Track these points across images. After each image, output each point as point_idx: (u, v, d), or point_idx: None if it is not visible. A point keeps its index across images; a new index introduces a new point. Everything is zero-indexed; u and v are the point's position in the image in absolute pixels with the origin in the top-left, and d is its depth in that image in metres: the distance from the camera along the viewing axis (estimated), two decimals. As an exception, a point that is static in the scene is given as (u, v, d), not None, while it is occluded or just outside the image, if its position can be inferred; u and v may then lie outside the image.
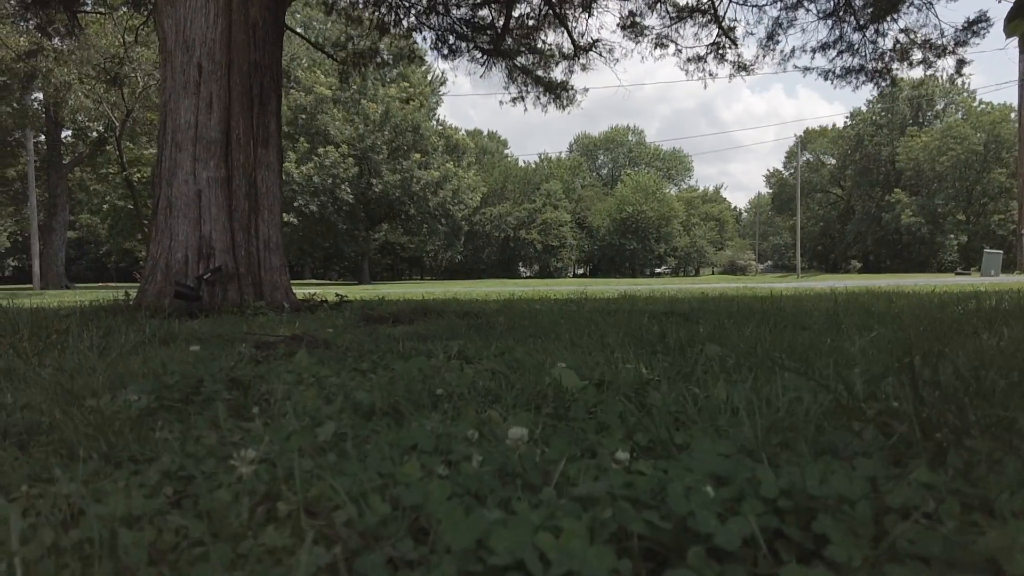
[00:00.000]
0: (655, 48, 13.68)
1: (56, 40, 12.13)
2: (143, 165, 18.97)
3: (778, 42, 12.61)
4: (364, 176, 47.09)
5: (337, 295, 8.87)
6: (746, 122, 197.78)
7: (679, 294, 12.30)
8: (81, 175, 38.60)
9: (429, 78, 59.33)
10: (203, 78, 7.63)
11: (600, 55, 13.15)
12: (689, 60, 13.77)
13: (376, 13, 12.77)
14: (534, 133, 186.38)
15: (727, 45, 13.25)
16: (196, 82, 7.62)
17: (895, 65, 11.74)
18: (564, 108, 14.42)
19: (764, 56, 12.48)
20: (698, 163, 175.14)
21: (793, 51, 12.31)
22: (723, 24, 12.32)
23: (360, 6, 12.87)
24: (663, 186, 75.52)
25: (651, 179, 72.64)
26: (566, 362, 2.64)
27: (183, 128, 7.58)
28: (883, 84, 12.23)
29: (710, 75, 13.78)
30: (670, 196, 73.48)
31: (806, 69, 12.81)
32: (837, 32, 12.05)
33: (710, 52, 13.55)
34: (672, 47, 13.64)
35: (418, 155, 48.68)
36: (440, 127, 55.95)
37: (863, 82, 12.46)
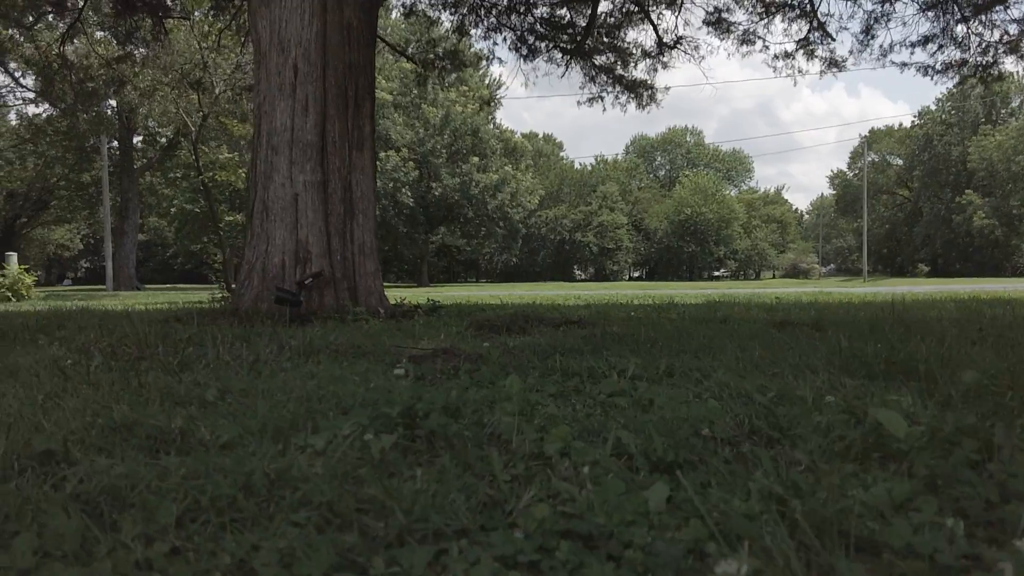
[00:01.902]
0: (741, 45, 13.24)
1: (140, 47, 12.27)
2: (217, 169, 19.28)
3: (874, 36, 12.04)
4: (424, 180, 47.29)
5: (429, 299, 8.68)
6: (806, 122, 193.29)
7: (761, 298, 11.84)
8: (151, 180, 39.58)
9: (486, 81, 59.44)
10: (299, 80, 7.52)
11: (685, 52, 12.76)
12: (777, 57, 13.28)
13: (457, 15, 12.62)
14: (588, 135, 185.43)
15: (818, 40, 12.73)
16: (292, 84, 7.51)
17: (1006, 58, 11.08)
18: (643, 107, 14.08)
19: (862, 51, 11.91)
20: (757, 164, 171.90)
21: (892, 46, 11.73)
22: (817, 16, 11.80)
23: (439, 8, 12.74)
24: (723, 187, 74.17)
25: (710, 180, 71.38)
26: (774, 389, 2.34)
27: (279, 131, 7.48)
28: (989, 78, 11.56)
29: (799, 72, 13.27)
30: (730, 198, 72.10)
31: (903, 65, 12.20)
32: (940, 25, 11.44)
33: (799, 48, 13.04)
34: (759, 43, 13.18)
35: (476, 158, 48.71)
36: (497, 130, 55.92)
37: (966, 76, 11.82)
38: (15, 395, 2.24)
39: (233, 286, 16.13)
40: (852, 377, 2.61)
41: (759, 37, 13.17)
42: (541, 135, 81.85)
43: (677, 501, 1.20)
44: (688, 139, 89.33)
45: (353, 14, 7.85)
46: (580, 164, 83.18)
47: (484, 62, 13.27)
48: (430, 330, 5.42)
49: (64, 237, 56.95)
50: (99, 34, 20.89)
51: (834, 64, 13.05)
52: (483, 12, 12.58)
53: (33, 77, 27.05)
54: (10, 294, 19.12)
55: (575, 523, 1.08)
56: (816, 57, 13.03)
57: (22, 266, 19.70)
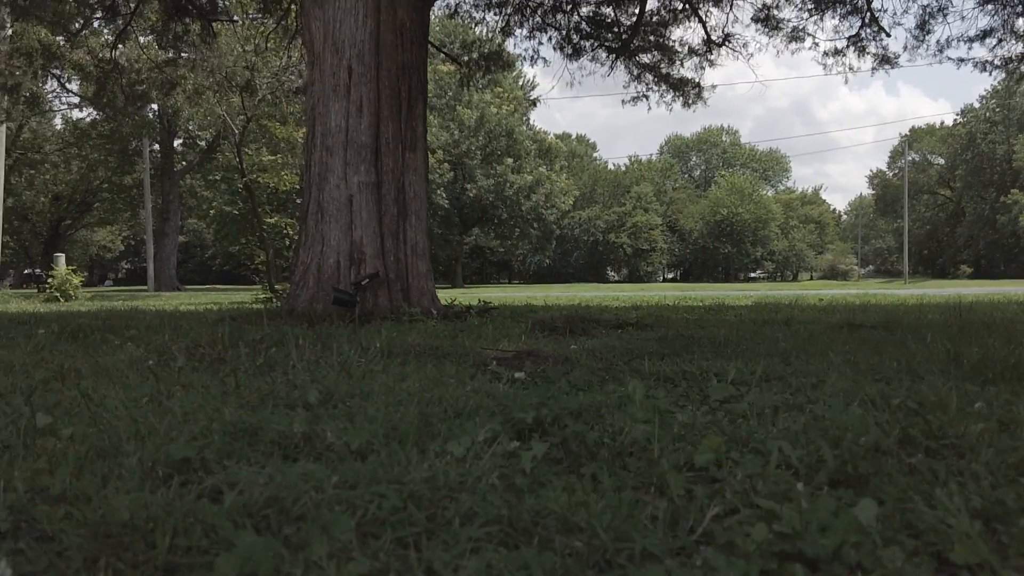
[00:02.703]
0: (789, 42, 13.02)
1: (188, 50, 12.42)
2: (260, 171, 19.44)
3: (930, 31, 11.75)
4: (458, 181, 47.38)
5: (480, 300, 8.63)
6: (843, 121, 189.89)
7: (807, 300, 11.60)
8: (191, 182, 40.19)
9: (520, 83, 59.44)
10: (353, 81, 7.51)
11: (733, 50, 12.57)
12: (827, 54, 13.03)
13: (501, 15, 12.57)
14: (621, 135, 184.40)
15: (870, 37, 12.46)
16: (346, 85, 7.51)
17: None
18: (689, 106, 13.92)
19: (917, 47, 11.62)
20: (794, 164, 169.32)
21: (949, 41, 11.42)
22: (871, 11, 11.54)
23: (483, 8, 12.70)
24: (760, 187, 73.25)
25: (747, 180, 70.54)
26: (899, 395, 2.22)
27: (334, 132, 7.47)
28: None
29: (850, 69, 13.00)
30: (767, 198, 71.16)
31: (960, 60, 11.88)
32: (999, 18, 11.12)
33: (850, 44, 12.79)
34: (808, 40, 12.94)
35: (511, 160, 48.69)
36: (531, 131, 55.86)
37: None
38: (116, 396, 2.21)
39: (277, 287, 16.29)
40: (971, 382, 2.48)
41: (808, 34, 12.94)
42: (574, 136, 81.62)
43: (882, 518, 1.10)
44: (724, 139, 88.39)
45: (406, 14, 7.83)
46: (614, 165, 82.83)
47: (527, 62, 13.19)
48: (492, 331, 5.36)
49: (106, 239, 58.03)
50: (142, 39, 21.23)
51: (886, 61, 12.77)
52: (528, 12, 12.51)
53: (78, 82, 27.62)
54: (58, 294, 19.46)
55: (791, 544, 0.99)
56: (868, 54, 12.77)
57: (69, 267, 20.04)
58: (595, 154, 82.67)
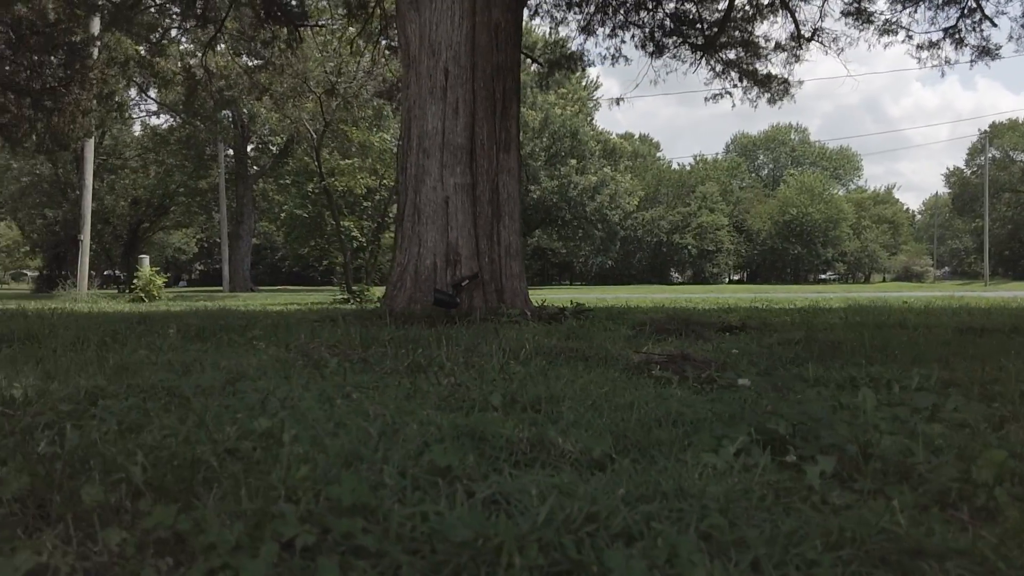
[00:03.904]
0: (881, 35, 12.58)
1: (274, 55, 12.71)
2: (337, 175, 19.79)
3: (1036, 20, 11.18)
4: (522, 183, 47.41)
5: (571, 302, 8.54)
6: (916, 118, 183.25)
7: (887, 302, 11.13)
8: (264, 186, 41.22)
9: (583, 83, 59.13)
10: (449, 83, 7.52)
11: (823, 45, 12.20)
12: (920, 47, 12.55)
13: (583, 13, 12.47)
14: (683, 135, 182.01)
15: (970, 27, 11.94)
16: (443, 87, 7.52)
17: None
18: (774, 102, 13.59)
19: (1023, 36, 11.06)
20: (864, 162, 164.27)
21: (1059, 29, 10.84)
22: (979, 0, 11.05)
23: (563, 8, 12.62)
24: (830, 186, 71.27)
25: (817, 179, 68.72)
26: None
27: (431, 134, 7.50)
28: None
29: (946, 62, 12.49)
30: (838, 197, 69.19)
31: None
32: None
33: (947, 36, 12.28)
34: (902, 33, 12.49)
35: (575, 161, 48.52)
36: (595, 132, 55.53)
37: None
38: (299, 397, 2.20)
39: (354, 288, 16.54)
40: None
41: (902, 27, 12.49)
42: (637, 135, 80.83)
43: None
44: (792, 136, 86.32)
45: (501, 15, 7.80)
46: (678, 164, 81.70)
47: (608, 61, 13.06)
48: (600, 333, 5.27)
49: (181, 241, 59.96)
50: (220, 46, 21.81)
51: (986, 53, 12.22)
52: (611, 11, 12.39)
53: (156, 89, 28.54)
54: (143, 295, 20.09)
55: None
56: (966, 46, 12.25)
57: (153, 268, 20.68)
58: (658, 154, 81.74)
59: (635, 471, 1.39)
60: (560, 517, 1.08)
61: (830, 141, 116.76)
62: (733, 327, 6.19)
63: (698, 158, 79.94)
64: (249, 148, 40.67)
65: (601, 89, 64.33)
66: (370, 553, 1.02)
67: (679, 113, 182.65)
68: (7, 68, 15.62)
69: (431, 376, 2.79)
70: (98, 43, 17.38)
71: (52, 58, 15.19)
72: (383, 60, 12.59)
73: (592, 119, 57.70)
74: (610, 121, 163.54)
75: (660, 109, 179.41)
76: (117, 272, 40.50)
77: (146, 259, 22.09)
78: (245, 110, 26.80)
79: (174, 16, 15.34)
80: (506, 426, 1.71)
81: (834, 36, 12.36)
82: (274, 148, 40.15)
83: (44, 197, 40.69)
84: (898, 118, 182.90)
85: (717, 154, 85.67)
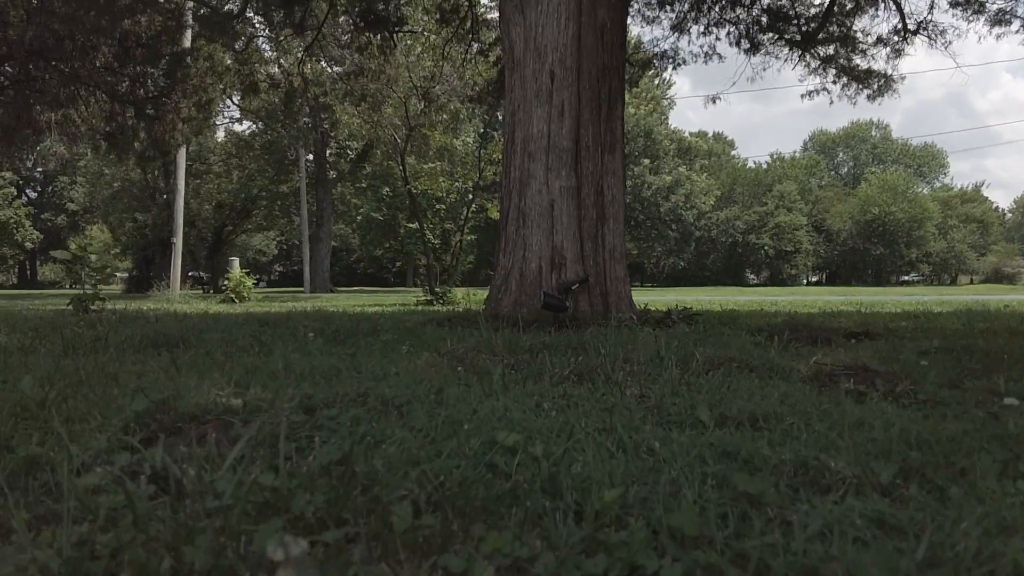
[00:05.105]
0: (993, 26, 12.00)
1: (368, 60, 12.94)
2: (422, 179, 20.01)
3: None
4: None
5: (678, 305, 8.38)
6: (1006, 111, 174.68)
7: (986, 304, 10.58)
8: (341, 190, 42.10)
9: (656, 82, 58.43)
10: (555, 85, 7.48)
11: (929, 38, 11.71)
12: (1036, 37, 11.92)
13: (675, 11, 12.28)
14: (758, 132, 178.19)
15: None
16: (548, 90, 7.49)
17: None
18: (874, 99, 13.13)
19: None
20: (949, 159, 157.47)
21: None
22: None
23: (655, 6, 12.45)
24: (914, 184, 68.57)
25: (900, 177, 66.21)
26: None
27: (536, 137, 7.47)
28: None
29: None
30: (922, 196, 66.49)
31: None
32: None
33: (1066, 25, 11.63)
34: (1016, 23, 11.89)
35: (648, 160, 47.99)
36: (668, 131, 54.82)
37: None
38: (507, 408, 2.17)
39: (437, 289, 16.69)
40: None
41: (1016, 16, 11.90)
42: (711, 134, 79.47)
43: None
44: (873, 133, 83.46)
45: (607, 15, 7.73)
46: (755, 162, 79.94)
47: (701, 59, 12.81)
48: (722, 338, 5.14)
49: (262, 243, 61.78)
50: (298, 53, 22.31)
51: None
52: (705, 8, 12.16)
53: (242, 96, 29.42)
54: (233, 296, 20.69)
55: None
56: (1089, 35, 11.57)
57: (243, 270, 21.28)
58: (733, 152, 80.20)
59: (930, 501, 1.30)
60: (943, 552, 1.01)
61: (913, 138, 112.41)
62: (857, 334, 5.96)
63: (775, 156, 78.09)
64: (327, 153, 41.63)
65: (673, 88, 63.45)
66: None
67: (753, 110, 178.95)
68: (109, 79, 16.33)
69: (606, 386, 2.74)
70: (194, 53, 18.04)
71: (152, 69, 15.81)
72: (474, 64, 12.68)
73: (666, 118, 57.02)
74: (682, 120, 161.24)
75: (734, 106, 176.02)
76: (201, 273, 41.86)
77: (236, 261, 22.79)
78: (336, 116, 27.36)
79: (259, 25, 15.74)
80: (761, 446, 1.64)
81: (942, 28, 11.85)
82: (351, 153, 40.95)
83: (134, 201, 42.48)
84: (986, 112, 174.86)
85: (795, 152, 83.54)
